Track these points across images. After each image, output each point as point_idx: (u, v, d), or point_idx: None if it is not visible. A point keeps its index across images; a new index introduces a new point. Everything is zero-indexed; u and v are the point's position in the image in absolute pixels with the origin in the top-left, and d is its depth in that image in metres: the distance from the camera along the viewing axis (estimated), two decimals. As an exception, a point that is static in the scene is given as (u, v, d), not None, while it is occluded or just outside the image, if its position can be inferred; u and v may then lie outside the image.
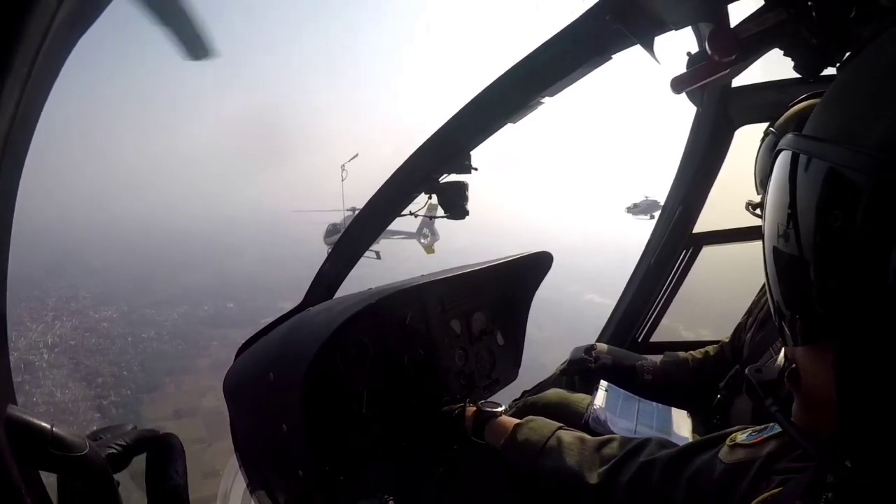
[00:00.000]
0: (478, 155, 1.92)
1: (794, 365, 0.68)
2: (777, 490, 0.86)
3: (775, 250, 0.63)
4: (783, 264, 0.63)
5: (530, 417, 1.65)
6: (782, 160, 0.63)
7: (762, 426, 1.05)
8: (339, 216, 28.70)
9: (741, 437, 1.07)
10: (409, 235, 26.12)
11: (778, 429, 0.99)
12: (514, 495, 1.67)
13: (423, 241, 28.14)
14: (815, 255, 0.56)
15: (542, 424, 1.59)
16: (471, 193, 1.95)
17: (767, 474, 0.93)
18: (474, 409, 1.81)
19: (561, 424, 1.59)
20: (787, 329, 0.64)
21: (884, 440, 0.56)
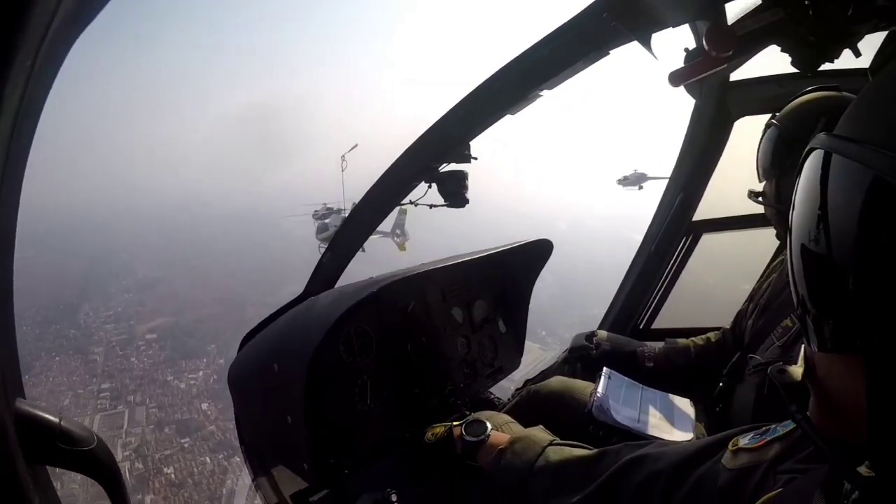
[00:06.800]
0: (479, 145, 1.93)
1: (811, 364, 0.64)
2: (779, 490, 0.84)
3: (804, 250, 0.58)
4: (812, 265, 0.58)
5: (516, 437, 1.53)
6: (815, 159, 0.57)
7: (763, 428, 1.03)
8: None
9: (743, 440, 1.03)
10: (384, 234, 26.79)
11: (781, 431, 0.97)
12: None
13: (396, 239, 29.12)
14: (852, 265, 0.51)
15: (527, 445, 1.47)
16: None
17: (773, 475, 0.91)
18: (459, 432, 1.65)
19: (551, 439, 1.48)
20: (812, 331, 0.60)
21: None
